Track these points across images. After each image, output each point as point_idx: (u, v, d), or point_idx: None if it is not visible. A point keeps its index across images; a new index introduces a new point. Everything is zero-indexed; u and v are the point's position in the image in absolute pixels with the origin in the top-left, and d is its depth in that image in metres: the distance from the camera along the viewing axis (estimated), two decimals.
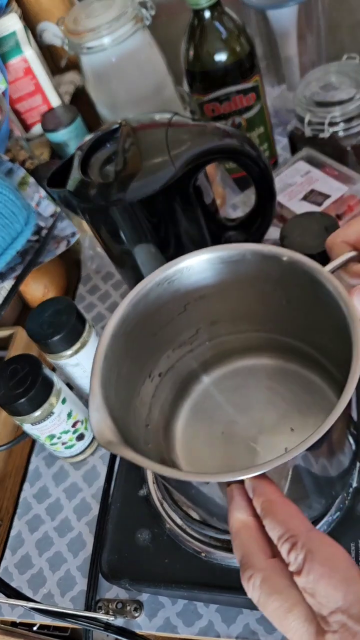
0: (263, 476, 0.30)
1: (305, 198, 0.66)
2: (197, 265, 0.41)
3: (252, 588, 0.28)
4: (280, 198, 0.67)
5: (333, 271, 0.36)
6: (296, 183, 0.68)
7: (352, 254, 0.36)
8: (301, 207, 0.66)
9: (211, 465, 0.45)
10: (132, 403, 0.41)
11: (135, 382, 0.42)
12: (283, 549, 0.27)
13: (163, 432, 0.47)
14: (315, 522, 0.42)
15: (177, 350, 0.46)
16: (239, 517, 0.30)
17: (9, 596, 0.54)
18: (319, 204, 0.65)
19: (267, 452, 0.44)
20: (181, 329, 0.45)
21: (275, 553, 0.29)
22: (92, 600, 0.51)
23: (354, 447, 0.37)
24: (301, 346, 0.46)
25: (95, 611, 0.51)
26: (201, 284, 0.42)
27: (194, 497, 0.38)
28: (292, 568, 0.27)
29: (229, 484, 0.32)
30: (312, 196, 0.66)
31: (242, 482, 0.31)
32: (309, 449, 0.29)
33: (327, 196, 0.65)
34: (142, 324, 0.40)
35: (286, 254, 0.38)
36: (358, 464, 0.45)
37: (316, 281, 0.36)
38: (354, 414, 0.34)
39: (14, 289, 0.65)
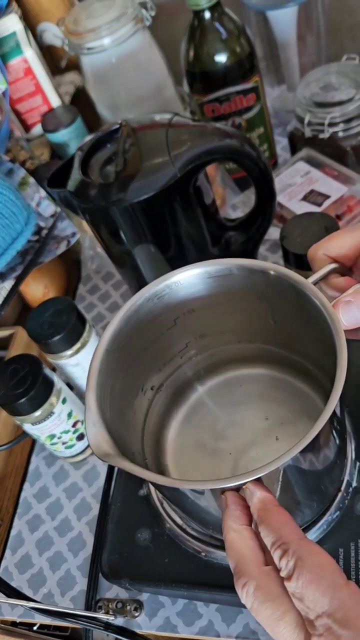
0: (260, 484, 0.31)
1: (305, 198, 0.66)
2: (186, 281, 0.41)
3: (246, 595, 0.29)
4: (280, 198, 0.67)
5: (315, 283, 0.37)
6: (296, 183, 0.69)
7: (333, 266, 0.37)
8: (301, 207, 0.66)
9: (201, 474, 0.46)
10: (127, 415, 0.42)
11: (129, 395, 0.43)
12: (275, 556, 0.28)
13: (155, 441, 0.48)
14: (314, 521, 0.43)
15: (168, 364, 0.47)
16: (233, 525, 0.31)
17: (9, 596, 0.54)
18: (319, 204, 0.65)
19: (257, 460, 0.45)
20: (171, 343, 0.46)
21: (267, 562, 0.30)
22: (92, 600, 0.52)
23: (338, 442, 0.38)
24: (291, 356, 0.46)
25: (95, 611, 0.51)
26: (190, 299, 0.42)
27: (188, 506, 0.39)
28: (283, 573, 0.28)
29: (223, 491, 0.32)
30: (312, 196, 0.66)
31: (236, 489, 0.32)
32: (299, 452, 0.30)
33: (326, 196, 0.65)
34: (134, 339, 0.41)
35: (272, 268, 0.39)
36: (358, 464, 0.45)
37: (301, 294, 0.37)
38: (337, 410, 0.35)
39: (14, 289, 0.65)
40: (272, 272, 0.39)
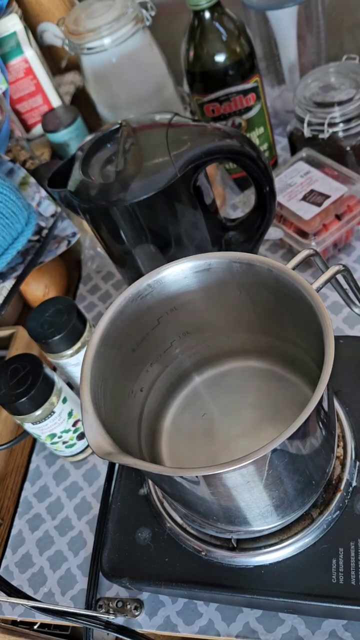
0: None
1: (305, 198, 0.67)
2: (167, 279, 0.42)
3: None
4: (280, 198, 0.67)
5: (294, 268, 0.37)
6: (296, 183, 0.69)
7: (310, 251, 0.38)
8: (301, 207, 0.66)
9: (196, 465, 0.46)
10: (122, 416, 0.42)
11: (121, 397, 0.43)
12: None
13: (150, 437, 0.48)
14: (314, 519, 0.43)
15: (155, 364, 0.47)
16: None
17: (9, 595, 0.54)
18: (319, 204, 0.65)
19: (248, 448, 0.45)
20: (157, 343, 0.46)
21: None
22: (92, 599, 0.52)
23: (324, 432, 0.38)
24: (279, 346, 0.47)
25: (95, 610, 0.51)
26: (172, 297, 0.43)
27: (188, 497, 0.39)
28: None
29: None
30: (312, 196, 0.66)
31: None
32: (288, 439, 0.31)
33: (326, 196, 0.65)
34: (121, 341, 0.41)
35: (249, 257, 0.39)
36: (358, 463, 0.45)
37: (280, 280, 0.37)
38: (325, 405, 0.36)
39: (15, 289, 0.65)
40: (249, 262, 0.39)
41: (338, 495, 0.43)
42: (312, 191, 0.67)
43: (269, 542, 0.43)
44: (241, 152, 0.51)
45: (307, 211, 0.65)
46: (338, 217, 0.65)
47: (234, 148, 0.51)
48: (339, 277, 0.41)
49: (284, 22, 0.75)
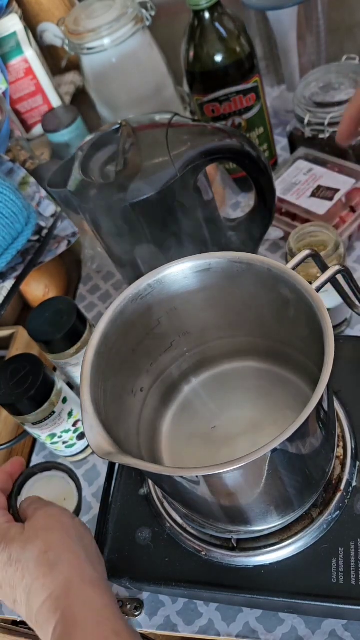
0: None
1: (314, 194, 0.66)
2: (167, 279, 0.42)
3: None
4: (288, 197, 0.67)
5: (294, 268, 0.38)
6: (301, 182, 0.68)
7: (310, 251, 0.39)
8: (312, 204, 0.65)
9: (195, 465, 0.46)
10: (121, 416, 0.42)
11: (121, 397, 0.43)
12: None
13: (150, 437, 0.48)
14: (314, 519, 0.43)
15: (155, 364, 0.47)
16: None
17: None
18: (330, 199, 0.65)
19: (248, 448, 0.45)
20: (157, 343, 0.46)
21: None
22: None
23: (324, 432, 0.38)
24: (278, 347, 0.47)
25: None
26: (172, 297, 0.43)
27: (187, 497, 0.39)
28: None
29: None
30: (321, 192, 0.66)
31: None
32: (288, 439, 0.31)
33: (336, 190, 0.65)
34: (121, 341, 0.41)
35: (249, 258, 0.39)
36: (358, 463, 0.45)
37: (281, 280, 0.37)
38: (325, 405, 0.36)
39: (15, 289, 0.65)
40: (250, 262, 0.39)
41: (338, 495, 0.43)
42: (319, 187, 0.67)
43: (269, 542, 0.43)
44: (241, 152, 0.51)
45: (320, 206, 0.65)
46: (353, 210, 0.65)
47: (234, 148, 0.51)
48: (339, 277, 0.41)
49: (284, 22, 0.75)
